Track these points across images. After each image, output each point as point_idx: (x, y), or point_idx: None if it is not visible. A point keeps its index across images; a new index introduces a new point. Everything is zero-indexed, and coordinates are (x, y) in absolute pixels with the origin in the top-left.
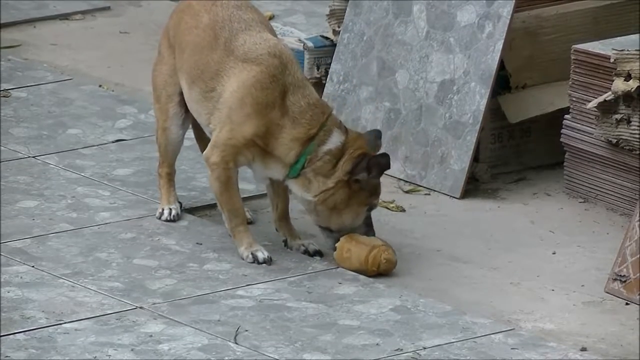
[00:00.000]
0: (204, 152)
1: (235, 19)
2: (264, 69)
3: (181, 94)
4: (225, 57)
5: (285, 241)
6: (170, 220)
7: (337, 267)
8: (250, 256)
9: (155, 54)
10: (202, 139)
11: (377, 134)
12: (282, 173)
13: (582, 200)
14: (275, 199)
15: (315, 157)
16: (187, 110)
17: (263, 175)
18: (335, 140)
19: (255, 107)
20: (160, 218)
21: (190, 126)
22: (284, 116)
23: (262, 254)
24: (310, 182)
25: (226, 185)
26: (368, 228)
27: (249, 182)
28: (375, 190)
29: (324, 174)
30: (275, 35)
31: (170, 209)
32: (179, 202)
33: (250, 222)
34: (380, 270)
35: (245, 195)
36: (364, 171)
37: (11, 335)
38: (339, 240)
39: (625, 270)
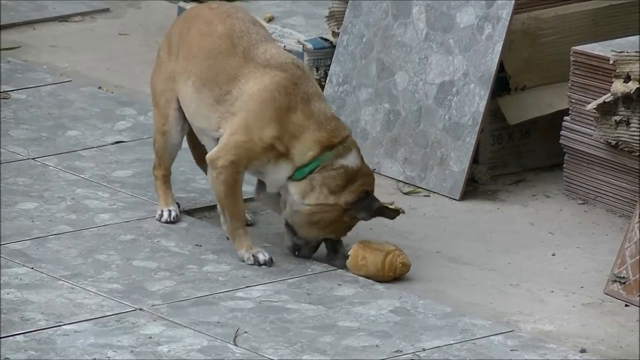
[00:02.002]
0: (209, 154)
1: (253, 31)
2: (288, 75)
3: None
4: (244, 63)
5: None
6: (170, 222)
7: (337, 269)
8: (252, 258)
9: (155, 55)
10: (197, 147)
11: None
12: (287, 174)
13: (582, 202)
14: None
15: (330, 166)
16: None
17: (272, 180)
18: (352, 160)
19: (277, 110)
20: (160, 220)
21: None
22: (309, 118)
23: (263, 256)
24: (313, 189)
25: (232, 189)
26: (312, 249)
27: (247, 183)
28: (352, 226)
29: (330, 188)
30: None
31: (170, 211)
32: (177, 203)
33: (250, 224)
34: (397, 275)
35: (244, 197)
36: (365, 211)
37: (11, 337)
38: (296, 245)
39: (624, 271)
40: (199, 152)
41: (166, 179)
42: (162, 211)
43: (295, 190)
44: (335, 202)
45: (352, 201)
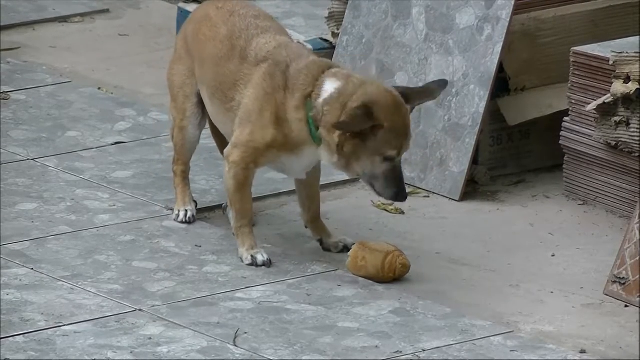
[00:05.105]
0: (225, 149)
1: (252, 26)
2: (270, 62)
3: (199, 94)
4: (240, 65)
5: (320, 241)
6: (186, 222)
7: (337, 270)
8: (250, 258)
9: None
10: (219, 135)
11: (439, 83)
12: (316, 152)
13: (582, 203)
14: (307, 202)
15: (318, 112)
16: (204, 110)
17: (301, 168)
18: (331, 86)
19: (266, 98)
20: (176, 220)
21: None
22: (285, 92)
23: (261, 257)
24: (329, 144)
25: (242, 185)
26: (389, 183)
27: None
28: (390, 140)
29: (329, 128)
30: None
31: (186, 211)
32: (194, 202)
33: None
34: (396, 276)
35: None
36: (341, 123)
37: (10, 338)
38: (372, 185)
39: (624, 272)
40: (221, 140)
41: (185, 175)
42: (178, 211)
43: (325, 155)
44: (337, 134)
45: (342, 122)
